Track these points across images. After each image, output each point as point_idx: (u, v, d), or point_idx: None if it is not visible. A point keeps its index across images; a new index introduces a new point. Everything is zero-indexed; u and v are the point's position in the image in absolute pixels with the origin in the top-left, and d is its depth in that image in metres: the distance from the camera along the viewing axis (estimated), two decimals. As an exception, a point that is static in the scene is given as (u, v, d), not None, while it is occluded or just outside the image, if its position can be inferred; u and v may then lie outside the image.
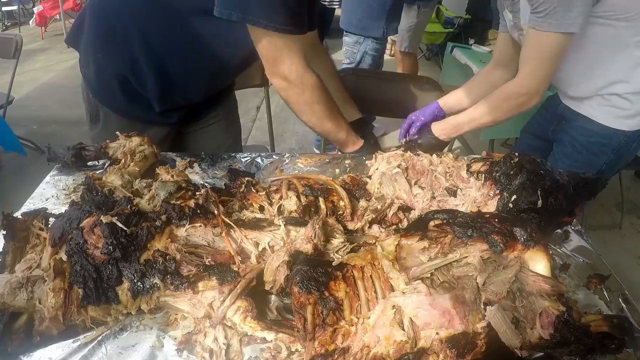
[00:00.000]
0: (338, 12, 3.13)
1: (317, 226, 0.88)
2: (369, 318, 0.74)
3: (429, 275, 0.82)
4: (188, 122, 1.57)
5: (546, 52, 1.31)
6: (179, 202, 0.94)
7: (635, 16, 1.30)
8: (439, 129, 1.50)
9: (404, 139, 1.64)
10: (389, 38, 5.67)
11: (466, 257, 0.84)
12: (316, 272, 0.78)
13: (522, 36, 1.42)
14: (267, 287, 0.84)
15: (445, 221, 0.89)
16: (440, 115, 1.64)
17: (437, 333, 0.71)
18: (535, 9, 1.26)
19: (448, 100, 1.66)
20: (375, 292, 0.79)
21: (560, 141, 1.62)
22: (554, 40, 1.28)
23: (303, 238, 0.86)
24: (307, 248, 0.85)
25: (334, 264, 0.83)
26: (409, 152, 1.23)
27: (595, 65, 1.41)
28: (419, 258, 0.85)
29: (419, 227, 0.94)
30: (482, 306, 0.75)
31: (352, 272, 0.82)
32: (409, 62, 4.11)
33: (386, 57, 6.57)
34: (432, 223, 0.94)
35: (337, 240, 0.91)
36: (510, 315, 0.75)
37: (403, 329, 0.72)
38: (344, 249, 0.89)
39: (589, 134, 1.51)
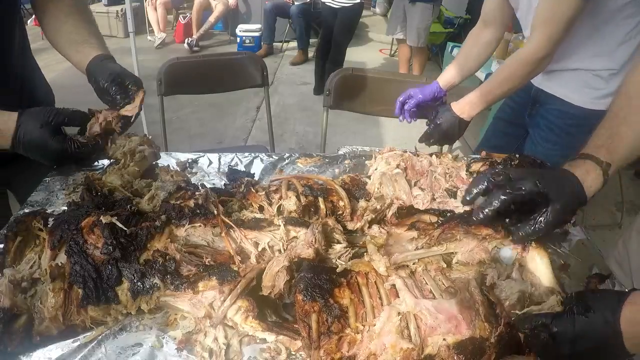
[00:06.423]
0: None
1: (317, 230, 0.87)
2: (375, 325, 0.73)
3: (412, 263, 0.83)
4: None
5: (564, 15, 1.29)
6: (178, 202, 0.94)
7: None
8: (459, 108, 1.49)
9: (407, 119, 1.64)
10: (391, 39, 5.71)
11: (455, 253, 0.86)
12: (320, 279, 0.77)
13: None
14: (264, 292, 0.82)
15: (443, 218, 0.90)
16: (441, 94, 1.62)
17: (444, 339, 0.70)
18: None
19: (445, 77, 1.65)
20: (380, 298, 0.78)
21: (536, 125, 1.62)
22: (571, 3, 1.26)
23: (304, 243, 0.85)
24: (309, 253, 0.84)
25: (337, 270, 0.82)
26: (408, 152, 1.23)
27: (584, 37, 1.40)
28: (406, 247, 0.86)
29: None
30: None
31: (357, 278, 0.81)
32: (424, 55, 4.92)
33: (386, 57, 6.62)
34: (427, 216, 0.95)
35: (340, 246, 0.90)
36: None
37: (409, 336, 0.71)
38: (346, 254, 0.88)
39: (566, 116, 1.51)
